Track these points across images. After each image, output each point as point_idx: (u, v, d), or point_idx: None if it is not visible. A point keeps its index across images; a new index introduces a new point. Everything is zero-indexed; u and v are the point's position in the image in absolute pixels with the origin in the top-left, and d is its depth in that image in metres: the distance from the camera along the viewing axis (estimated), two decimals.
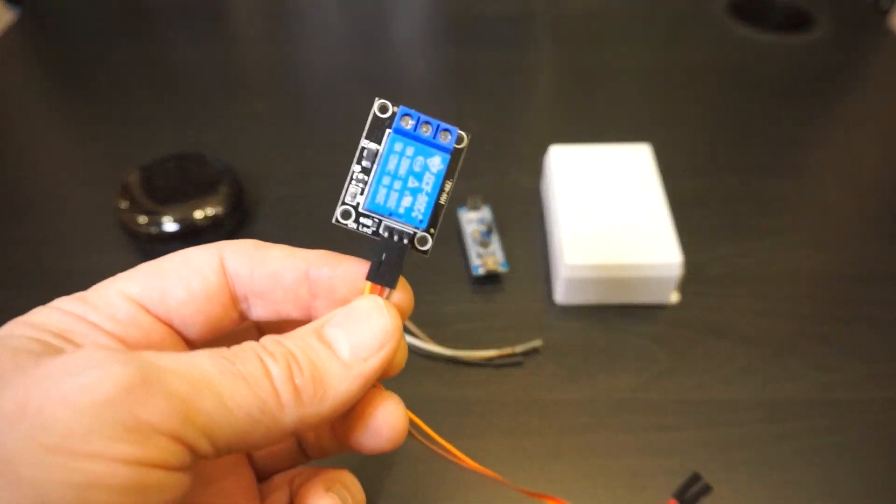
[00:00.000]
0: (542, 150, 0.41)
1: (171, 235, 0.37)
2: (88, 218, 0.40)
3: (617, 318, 0.35)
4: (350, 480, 0.19)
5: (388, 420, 0.17)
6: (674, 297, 0.36)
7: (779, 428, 0.31)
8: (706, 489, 0.28)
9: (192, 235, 0.37)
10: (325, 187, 0.38)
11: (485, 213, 0.39)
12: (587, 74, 0.53)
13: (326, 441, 0.19)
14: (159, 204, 0.37)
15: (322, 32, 0.58)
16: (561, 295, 0.35)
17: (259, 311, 0.18)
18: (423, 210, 0.17)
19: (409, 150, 0.17)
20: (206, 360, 0.14)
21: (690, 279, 0.36)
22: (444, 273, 0.37)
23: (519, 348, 0.33)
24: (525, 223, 0.40)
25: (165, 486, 0.12)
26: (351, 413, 0.17)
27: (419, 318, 0.35)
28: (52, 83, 0.52)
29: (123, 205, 0.37)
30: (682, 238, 0.35)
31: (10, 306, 0.38)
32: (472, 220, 0.39)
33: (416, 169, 0.17)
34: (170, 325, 0.17)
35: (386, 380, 0.18)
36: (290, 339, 0.16)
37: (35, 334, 0.14)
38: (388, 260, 0.17)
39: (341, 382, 0.15)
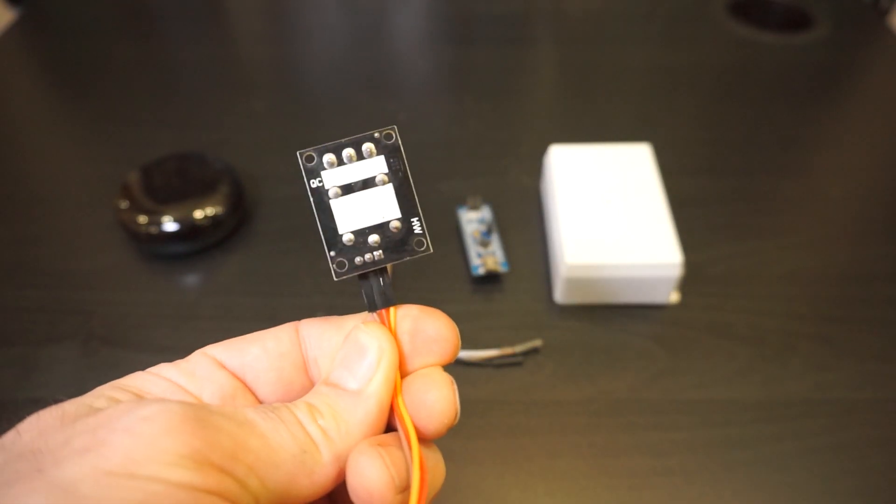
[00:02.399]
0: (542, 150, 0.41)
1: (171, 235, 0.37)
2: (88, 217, 0.40)
3: (617, 318, 0.35)
4: None
5: (369, 480, 0.16)
6: (674, 297, 0.36)
7: (778, 428, 0.31)
8: None
9: (191, 235, 0.37)
10: None
11: (485, 213, 0.39)
12: (587, 74, 0.53)
13: None
14: (159, 204, 0.37)
15: (322, 32, 0.58)
16: (561, 295, 0.35)
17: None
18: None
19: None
20: (248, 410, 0.15)
21: (690, 279, 0.36)
22: (444, 273, 0.37)
23: (519, 348, 0.33)
24: (525, 223, 0.40)
25: None
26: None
27: None
28: (52, 83, 0.52)
29: (123, 205, 0.37)
30: (682, 238, 0.35)
31: (10, 306, 0.38)
32: (472, 220, 0.39)
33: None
34: (243, 382, 0.18)
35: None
36: (309, 394, 0.17)
37: (116, 393, 0.15)
38: (375, 288, 0.18)
39: (357, 409, 0.16)
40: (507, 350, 0.33)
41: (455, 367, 0.33)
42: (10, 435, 0.14)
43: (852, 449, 0.30)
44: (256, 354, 0.18)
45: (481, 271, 0.36)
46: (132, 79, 0.52)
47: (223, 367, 0.18)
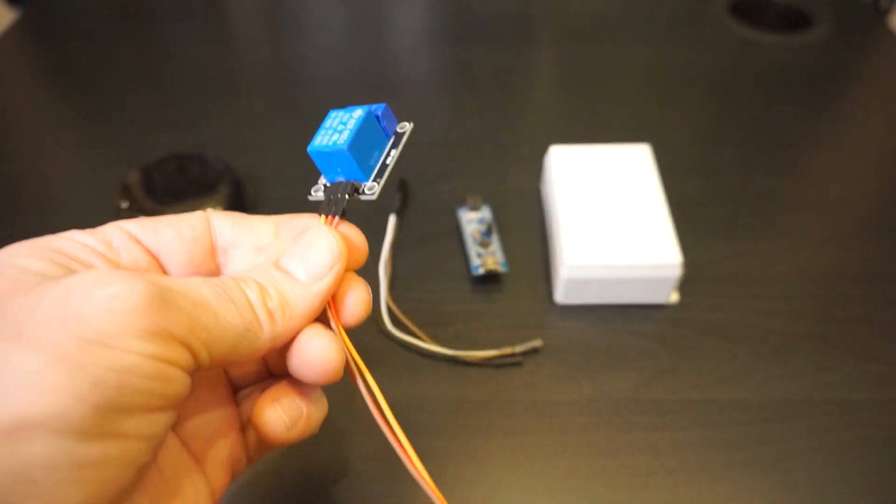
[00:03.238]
0: (542, 150, 0.41)
1: None
2: (88, 218, 0.40)
3: (617, 318, 0.35)
4: (316, 396, 0.21)
5: (318, 351, 0.19)
6: (673, 297, 0.36)
7: (778, 427, 0.31)
8: None
9: None
10: None
11: (485, 213, 0.39)
12: (587, 74, 0.53)
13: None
14: (159, 204, 0.37)
15: (322, 32, 0.58)
16: (561, 295, 0.35)
17: (234, 266, 0.21)
18: (346, 137, 0.20)
19: (341, 115, 0.21)
20: (203, 286, 0.17)
21: (690, 279, 0.36)
22: (444, 273, 0.37)
23: (519, 348, 0.33)
24: (525, 223, 0.40)
25: (179, 381, 0.15)
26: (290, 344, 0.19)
27: (419, 317, 0.35)
28: (53, 83, 0.52)
29: (123, 205, 0.37)
30: (682, 238, 0.35)
31: None
32: (472, 220, 0.39)
33: (344, 119, 0.21)
34: (156, 259, 0.20)
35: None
36: (255, 272, 0.19)
37: (38, 253, 0.17)
38: (335, 198, 0.20)
39: (303, 301, 0.18)
40: (507, 350, 0.33)
41: (455, 367, 0.33)
42: None
43: (853, 449, 0.30)
44: (171, 236, 0.20)
45: (481, 271, 0.36)
46: (132, 79, 0.52)
47: (138, 242, 0.19)
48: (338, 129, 0.21)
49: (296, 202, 0.44)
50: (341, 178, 0.21)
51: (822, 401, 0.32)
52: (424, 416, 0.31)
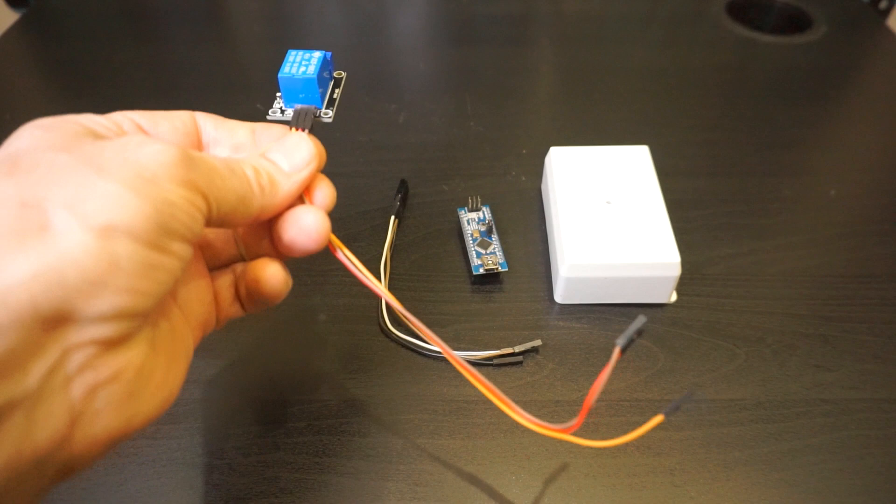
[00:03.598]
0: (542, 151, 0.41)
1: None
2: None
3: (616, 318, 0.35)
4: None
5: (312, 221, 0.24)
6: (673, 297, 0.36)
7: (777, 427, 0.31)
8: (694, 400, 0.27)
9: None
10: None
11: (485, 213, 0.39)
12: (587, 75, 0.53)
13: (263, 247, 0.26)
14: None
15: (322, 33, 0.58)
16: (561, 295, 0.36)
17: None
18: (313, 70, 0.26)
19: (302, 54, 0.27)
20: (216, 159, 0.21)
21: (689, 279, 0.37)
22: (444, 273, 0.37)
23: (519, 348, 0.33)
24: (525, 224, 0.40)
25: (200, 223, 0.20)
26: (284, 218, 0.24)
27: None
28: (54, 84, 0.52)
29: None
30: (681, 238, 0.35)
31: None
32: (472, 220, 0.39)
33: (306, 58, 0.27)
34: None
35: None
36: (249, 158, 0.23)
37: (77, 121, 0.21)
38: (302, 118, 0.26)
39: (285, 184, 0.23)
40: (507, 350, 0.33)
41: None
42: (36, 138, 0.19)
43: (851, 448, 0.30)
44: (167, 128, 0.25)
45: (481, 271, 0.36)
46: (133, 80, 0.52)
47: (141, 129, 0.24)
48: (302, 63, 0.27)
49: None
50: (299, 105, 0.27)
51: (820, 400, 0.32)
52: (424, 416, 0.31)
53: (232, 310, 0.26)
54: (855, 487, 0.29)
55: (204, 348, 0.25)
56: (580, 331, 0.35)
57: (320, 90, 0.27)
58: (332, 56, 0.28)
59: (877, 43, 0.58)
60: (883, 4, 0.62)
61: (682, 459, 0.30)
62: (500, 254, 0.37)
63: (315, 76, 0.26)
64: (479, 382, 0.26)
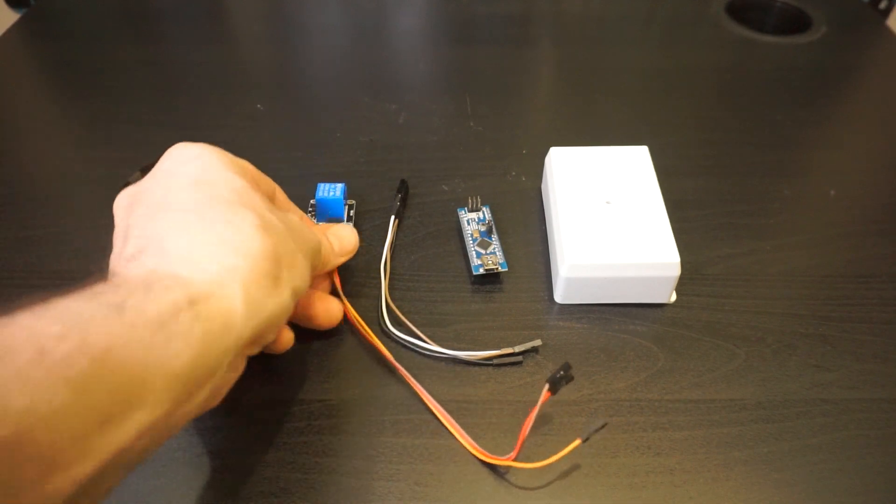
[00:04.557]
0: (542, 151, 0.41)
1: None
2: (89, 217, 0.41)
3: (616, 318, 0.35)
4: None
5: (338, 311, 0.33)
6: (672, 297, 0.36)
7: (777, 427, 0.31)
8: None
9: None
10: None
11: (485, 213, 0.39)
12: (587, 75, 0.53)
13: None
14: None
15: (323, 33, 0.58)
16: (560, 294, 0.36)
17: None
18: (339, 194, 0.38)
19: (328, 186, 0.39)
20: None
21: (689, 279, 0.37)
22: (444, 273, 0.37)
23: (519, 348, 0.33)
24: (525, 224, 0.40)
25: (308, 280, 0.28)
26: (320, 298, 0.33)
27: (419, 317, 0.35)
28: (54, 83, 0.52)
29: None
30: (681, 238, 0.35)
31: (10, 306, 0.38)
32: (472, 220, 0.39)
33: (331, 189, 0.39)
34: None
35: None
36: (324, 233, 0.33)
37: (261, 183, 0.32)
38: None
39: (335, 261, 0.33)
40: (507, 350, 0.33)
41: (455, 367, 0.33)
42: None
43: (850, 448, 0.30)
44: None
45: (481, 271, 0.36)
46: (133, 79, 0.52)
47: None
48: (330, 190, 0.38)
49: (295, 202, 0.45)
50: (326, 220, 0.39)
51: (820, 400, 0.32)
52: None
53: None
54: (855, 487, 0.29)
55: None
56: (580, 331, 0.35)
57: (342, 209, 0.39)
58: (345, 187, 0.39)
59: (877, 43, 0.58)
60: (883, 4, 0.62)
61: (682, 459, 0.30)
62: (500, 254, 0.37)
63: (341, 197, 0.38)
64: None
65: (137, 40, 0.56)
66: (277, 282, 0.25)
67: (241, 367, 0.27)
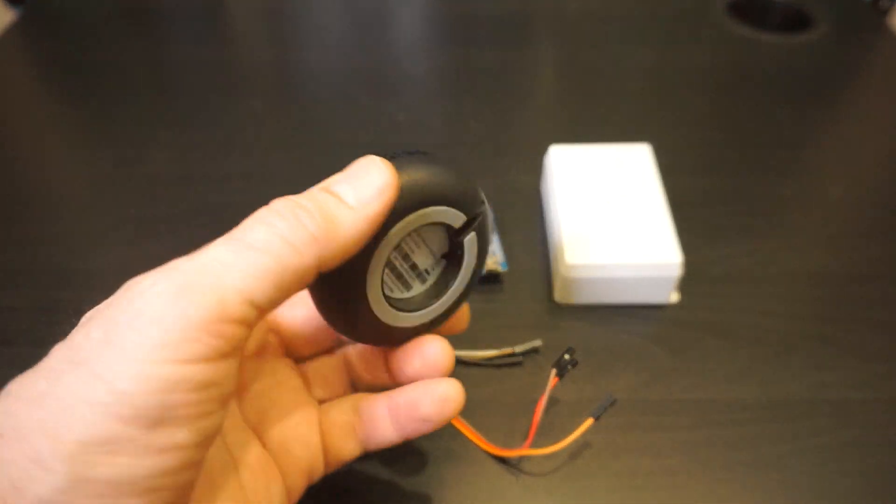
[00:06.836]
0: (542, 150, 0.41)
1: None
2: (89, 217, 0.40)
3: (617, 318, 0.35)
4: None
5: (437, 351, 0.22)
6: (673, 297, 0.36)
7: (778, 428, 0.31)
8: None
9: None
10: None
11: None
12: (587, 74, 0.53)
13: (379, 374, 0.24)
14: None
15: (322, 33, 0.58)
16: (561, 295, 0.35)
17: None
18: None
19: None
20: (220, 249, 0.17)
21: (690, 279, 0.36)
22: None
23: (519, 348, 0.33)
24: (525, 223, 0.40)
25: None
26: (406, 346, 0.22)
27: None
28: (53, 83, 0.52)
29: None
30: (682, 238, 0.35)
31: (10, 306, 0.38)
32: None
33: None
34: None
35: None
36: (301, 195, 0.19)
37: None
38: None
39: (351, 223, 0.18)
40: (507, 350, 0.33)
41: (455, 367, 0.33)
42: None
43: (852, 449, 0.30)
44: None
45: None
46: (133, 79, 0.52)
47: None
48: None
49: None
50: None
51: (821, 400, 0.32)
52: None
53: (347, 447, 0.23)
54: (856, 488, 0.29)
55: None
56: (581, 331, 0.35)
57: None
58: None
59: (878, 43, 0.57)
60: (884, 4, 0.62)
61: (683, 460, 0.29)
62: (500, 254, 0.37)
63: None
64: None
65: (138, 40, 0.56)
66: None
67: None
